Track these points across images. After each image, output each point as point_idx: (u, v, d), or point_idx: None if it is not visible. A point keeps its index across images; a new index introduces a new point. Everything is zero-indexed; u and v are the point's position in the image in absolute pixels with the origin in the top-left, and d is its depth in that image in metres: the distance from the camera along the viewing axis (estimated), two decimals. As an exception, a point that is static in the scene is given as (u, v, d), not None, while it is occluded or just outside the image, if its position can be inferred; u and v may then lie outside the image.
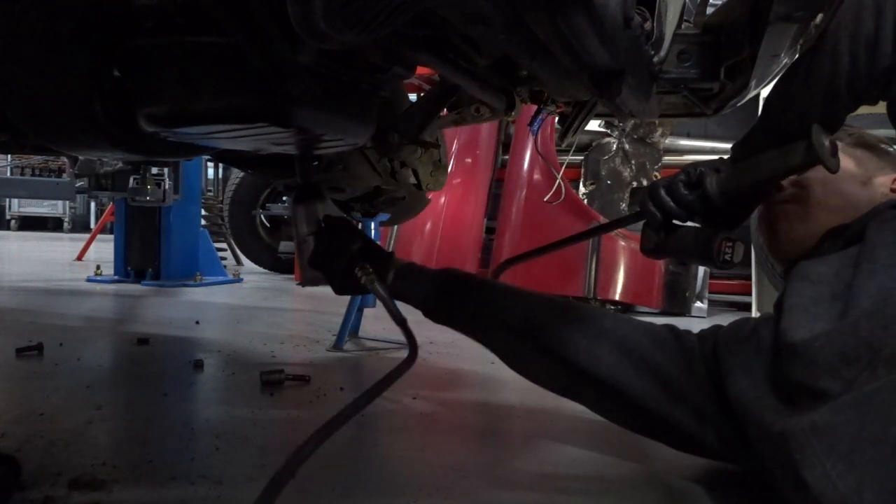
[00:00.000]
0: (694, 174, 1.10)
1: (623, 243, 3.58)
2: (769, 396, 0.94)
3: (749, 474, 1.11)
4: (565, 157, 3.94)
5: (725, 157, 1.19)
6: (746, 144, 1.14)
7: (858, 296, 0.89)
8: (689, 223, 1.14)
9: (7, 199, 11.49)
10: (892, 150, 1.21)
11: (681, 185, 1.10)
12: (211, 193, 7.56)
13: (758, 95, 1.46)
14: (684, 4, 1.09)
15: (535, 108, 1.37)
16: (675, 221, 1.14)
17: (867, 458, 0.74)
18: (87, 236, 6.66)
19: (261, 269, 5.20)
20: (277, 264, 5.09)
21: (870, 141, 1.21)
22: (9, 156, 7.20)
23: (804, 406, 0.86)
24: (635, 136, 4.14)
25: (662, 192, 1.11)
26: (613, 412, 1.21)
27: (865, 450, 0.75)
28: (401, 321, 1.02)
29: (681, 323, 1.22)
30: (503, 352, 1.26)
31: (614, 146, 4.14)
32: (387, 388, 0.88)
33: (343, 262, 1.17)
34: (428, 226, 3.85)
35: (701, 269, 3.71)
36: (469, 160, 4.01)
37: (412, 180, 1.70)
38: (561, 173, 3.69)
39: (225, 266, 4.74)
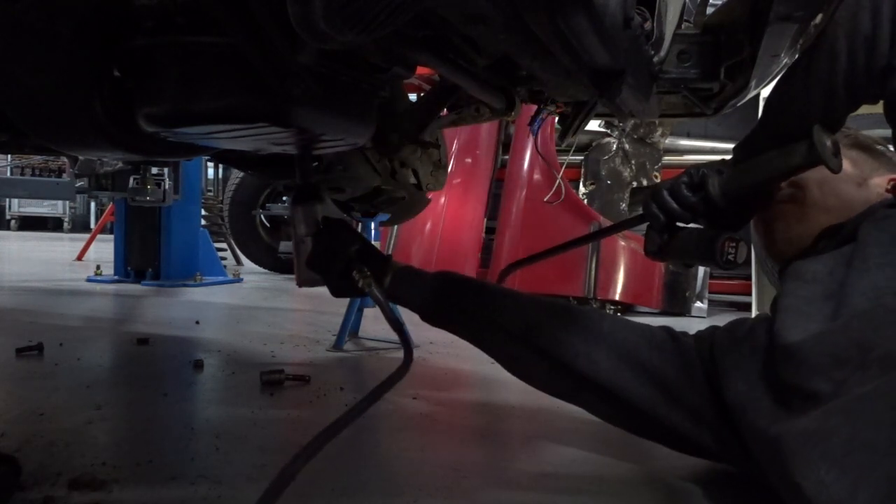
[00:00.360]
0: (696, 176, 1.10)
1: (623, 243, 3.58)
2: (764, 398, 0.94)
3: (746, 475, 1.11)
4: (565, 157, 3.94)
5: (727, 157, 1.19)
6: (748, 145, 1.14)
7: (851, 295, 0.90)
8: (693, 225, 1.14)
9: (7, 199, 11.49)
10: (887, 151, 1.21)
11: (683, 186, 1.10)
12: (211, 193, 7.57)
13: (758, 95, 1.46)
14: (684, 4, 1.09)
15: (535, 108, 1.37)
16: (679, 223, 1.14)
17: (860, 463, 0.74)
18: (87, 236, 6.66)
19: (261, 269, 5.20)
20: (277, 264, 5.09)
21: (865, 142, 1.21)
22: (9, 156, 7.21)
23: (796, 408, 0.87)
24: (635, 136, 4.14)
25: (665, 194, 1.11)
26: (612, 415, 1.21)
27: (858, 454, 0.75)
28: (397, 325, 1.02)
29: (681, 323, 1.22)
30: (501, 355, 1.26)
31: (614, 146, 4.15)
32: (383, 394, 0.88)
33: (341, 264, 1.17)
34: (428, 226, 3.85)
35: (701, 269, 3.71)
36: (469, 160, 4.01)
37: (412, 180, 1.70)
38: (561, 173, 3.69)
39: (225, 266, 4.74)
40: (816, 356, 0.86)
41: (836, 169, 0.98)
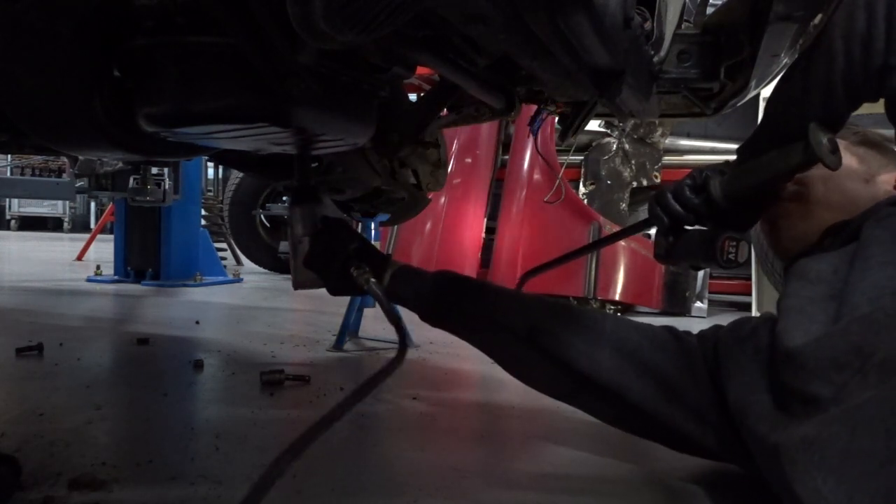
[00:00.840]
0: (699, 178, 1.10)
1: (623, 243, 3.58)
2: (765, 401, 0.94)
3: (748, 475, 1.11)
4: (565, 157, 3.94)
5: (731, 158, 1.20)
6: (750, 146, 1.15)
7: (852, 294, 0.89)
8: (699, 227, 1.14)
9: (7, 199, 11.50)
10: None
11: (687, 189, 1.11)
12: (211, 193, 7.57)
13: (758, 95, 1.46)
14: (684, 4, 1.09)
15: (535, 108, 1.37)
16: (686, 226, 1.14)
17: (857, 472, 0.74)
18: (87, 236, 6.66)
19: (261, 269, 5.20)
20: (277, 264, 5.09)
21: (874, 139, 1.20)
22: (9, 156, 7.21)
23: (796, 412, 0.86)
24: (635, 136, 4.14)
25: (669, 197, 1.12)
26: (613, 416, 1.21)
27: (855, 463, 0.75)
28: (395, 319, 1.02)
29: (681, 323, 1.22)
30: (501, 355, 1.25)
31: (614, 146, 4.14)
32: (376, 387, 0.88)
33: (339, 262, 1.17)
34: (428, 226, 3.85)
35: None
36: (469, 160, 4.01)
37: (412, 180, 1.70)
38: (561, 173, 3.69)
39: (225, 266, 4.74)
40: (816, 360, 0.85)
41: (834, 166, 0.98)
